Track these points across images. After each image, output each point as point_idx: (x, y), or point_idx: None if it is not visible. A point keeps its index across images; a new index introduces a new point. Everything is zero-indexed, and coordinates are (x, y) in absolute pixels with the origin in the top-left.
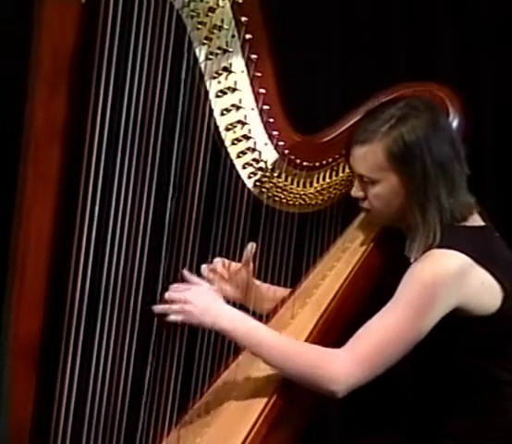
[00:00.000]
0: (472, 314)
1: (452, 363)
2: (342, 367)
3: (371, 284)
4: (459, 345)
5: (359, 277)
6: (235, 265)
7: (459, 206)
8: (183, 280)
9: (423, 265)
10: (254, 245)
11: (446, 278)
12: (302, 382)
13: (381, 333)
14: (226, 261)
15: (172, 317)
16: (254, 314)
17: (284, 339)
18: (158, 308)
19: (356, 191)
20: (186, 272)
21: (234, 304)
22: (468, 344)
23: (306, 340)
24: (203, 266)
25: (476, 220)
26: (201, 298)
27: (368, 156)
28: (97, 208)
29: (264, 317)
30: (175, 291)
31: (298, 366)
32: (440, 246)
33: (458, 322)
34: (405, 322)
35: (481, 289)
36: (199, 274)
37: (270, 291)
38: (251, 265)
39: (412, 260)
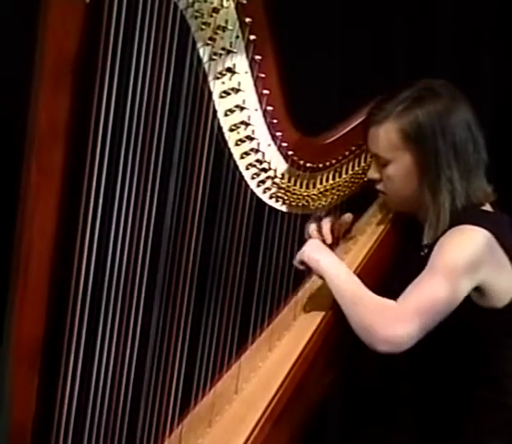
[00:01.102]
0: (487, 303)
1: (459, 356)
2: (394, 322)
3: (375, 283)
4: (468, 337)
5: (363, 275)
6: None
7: (475, 191)
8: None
9: (454, 238)
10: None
11: (475, 252)
12: (357, 327)
13: (427, 293)
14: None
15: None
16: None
17: (361, 289)
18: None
19: (372, 173)
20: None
21: None
22: (477, 336)
23: (309, 340)
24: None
25: (488, 209)
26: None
27: (382, 136)
28: (100, 210)
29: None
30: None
31: (359, 319)
32: (467, 222)
33: (471, 313)
34: (444, 286)
35: (500, 272)
36: (200, 276)
37: None
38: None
39: (424, 242)
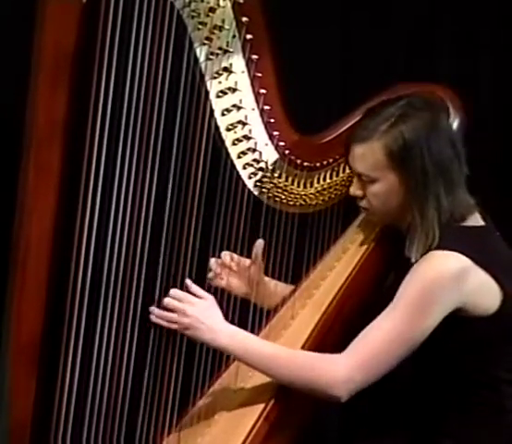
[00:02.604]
0: (472, 315)
1: (451, 363)
2: (342, 373)
3: (372, 285)
4: (458, 344)
5: (360, 277)
6: (244, 261)
7: (458, 206)
8: (182, 286)
9: (424, 266)
10: (262, 242)
11: (446, 280)
12: (307, 391)
13: (382, 336)
14: (235, 255)
15: (165, 324)
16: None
17: (284, 352)
18: (156, 312)
19: (354, 190)
20: (189, 282)
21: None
22: (467, 344)
23: (306, 342)
24: (212, 260)
25: (476, 220)
26: (204, 316)
27: (367, 155)
28: (97, 208)
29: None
30: (176, 300)
31: (300, 378)
32: (440, 247)
33: (458, 322)
34: (405, 324)
35: (480, 291)
36: (198, 275)
37: (278, 288)
38: (261, 261)
39: (413, 260)
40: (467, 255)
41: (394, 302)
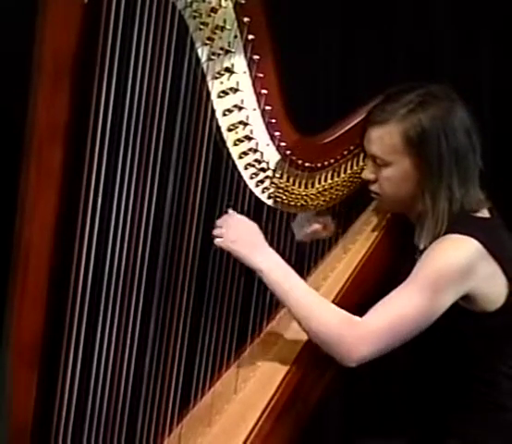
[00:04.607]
0: (478, 308)
1: (453, 357)
2: (359, 339)
3: (373, 285)
4: (462, 339)
5: (361, 278)
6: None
7: (469, 199)
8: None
9: (440, 248)
10: None
11: (461, 262)
12: (319, 343)
13: (398, 309)
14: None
15: (217, 240)
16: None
17: (315, 297)
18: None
19: (367, 173)
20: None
21: None
22: (471, 339)
23: (306, 341)
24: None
25: (485, 214)
26: (249, 230)
27: (384, 137)
28: (99, 209)
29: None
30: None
31: (318, 327)
32: (455, 231)
33: (463, 316)
34: (420, 301)
35: (490, 280)
36: (200, 270)
37: None
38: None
39: (421, 247)
40: (481, 242)
41: (410, 279)
